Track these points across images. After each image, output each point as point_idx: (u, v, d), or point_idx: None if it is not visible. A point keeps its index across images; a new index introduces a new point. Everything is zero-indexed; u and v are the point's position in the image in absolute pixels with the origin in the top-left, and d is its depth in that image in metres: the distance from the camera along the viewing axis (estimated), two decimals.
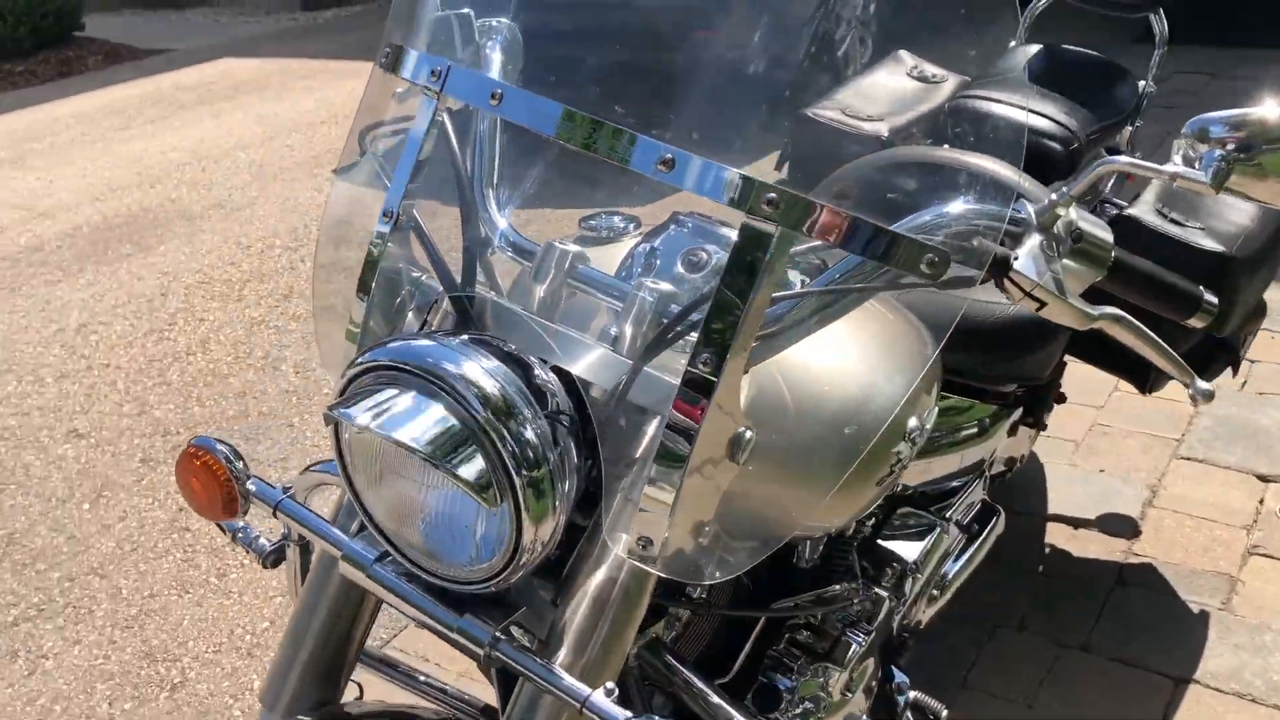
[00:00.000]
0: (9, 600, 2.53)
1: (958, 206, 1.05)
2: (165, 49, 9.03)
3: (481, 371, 0.99)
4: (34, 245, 4.76)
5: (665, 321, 1.05)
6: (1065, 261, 1.05)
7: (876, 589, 1.65)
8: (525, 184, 1.28)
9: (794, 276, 1.13)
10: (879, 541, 1.71)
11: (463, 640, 1.05)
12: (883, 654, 1.69)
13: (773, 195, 0.93)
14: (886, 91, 2.30)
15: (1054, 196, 1.05)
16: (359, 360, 1.03)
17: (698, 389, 0.95)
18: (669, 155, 0.96)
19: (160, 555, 2.66)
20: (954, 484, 1.93)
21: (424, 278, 1.19)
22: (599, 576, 1.06)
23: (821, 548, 1.57)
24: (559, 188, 1.29)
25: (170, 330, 3.87)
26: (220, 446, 1.20)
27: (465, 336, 1.04)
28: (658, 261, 1.18)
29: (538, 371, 1.03)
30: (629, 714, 0.97)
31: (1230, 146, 0.98)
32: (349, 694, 1.29)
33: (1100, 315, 1.06)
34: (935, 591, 1.81)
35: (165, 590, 2.54)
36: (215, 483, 1.19)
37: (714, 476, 1.01)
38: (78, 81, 8.10)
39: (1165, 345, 1.12)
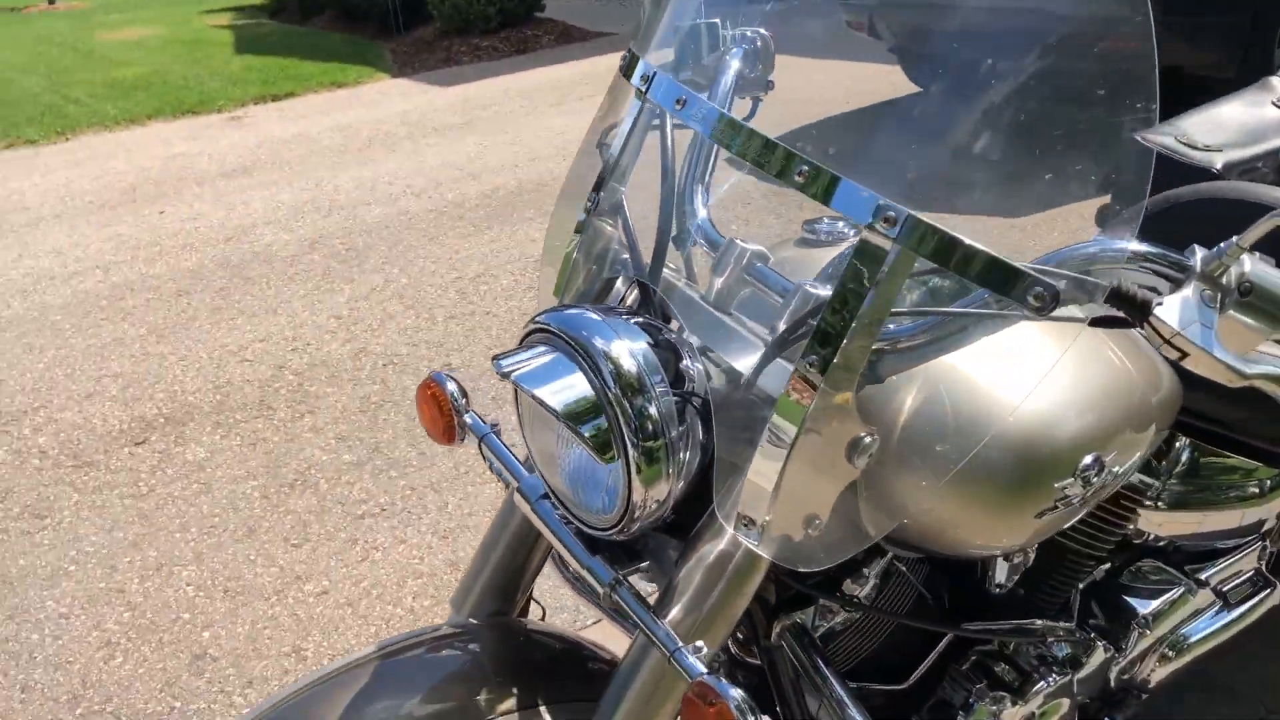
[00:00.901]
0: (362, 497, 2.99)
1: (1129, 243, 1.05)
2: (610, 32, 9.78)
3: (625, 349, 1.11)
4: (457, 202, 5.41)
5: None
6: (1231, 313, 1.01)
7: (1092, 634, 1.60)
8: (728, 185, 1.38)
9: (925, 294, 1.16)
10: (1110, 588, 1.65)
11: (589, 577, 1.18)
12: (1098, 705, 1.64)
13: (892, 214, 0.98)
14: (1238, 120, 2.14)
15: (1223, 245, 1.01)
16: (532, 320, 1.20)
17: (805, 385, 1.03)
18: (805, 168, 1.03)
19: (485, 483, 3.01)
20: (1220, 545, 1.80)
21: (626, 256, 1.33)
22: (718, 546, 1.16)
23: (1018, 576, 1.54)
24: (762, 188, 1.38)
25: None
26: (450, 383, 1.41)
27: (626, 315, 1.17)
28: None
29: (685, 358, 1.15)
30: (706, 672, 1.06)
31: None
32: (534, 613, 1.48)
33: (1257, 374, 1.00)
34: (1170, 652, 1.72)
35: (481, 512, 2.88)
36: (440, 413, 1.40)
37: (827, 472, 1.07)
38: (531, 58, 8.99)
39: None
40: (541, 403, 1.10)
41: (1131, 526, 1.61)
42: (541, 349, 1.15)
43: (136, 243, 5.19)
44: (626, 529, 1.14)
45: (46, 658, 2.44)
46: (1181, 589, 1.68)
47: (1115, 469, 1.31)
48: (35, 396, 3.69)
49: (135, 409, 3.55)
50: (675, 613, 1.16)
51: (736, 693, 1.02)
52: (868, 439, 1.07)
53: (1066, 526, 1.35)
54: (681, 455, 1.11)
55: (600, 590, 1.18)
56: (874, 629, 1.46)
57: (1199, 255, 1.02)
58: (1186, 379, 1.59)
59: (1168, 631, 1.70)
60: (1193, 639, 1.74)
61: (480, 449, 1.39)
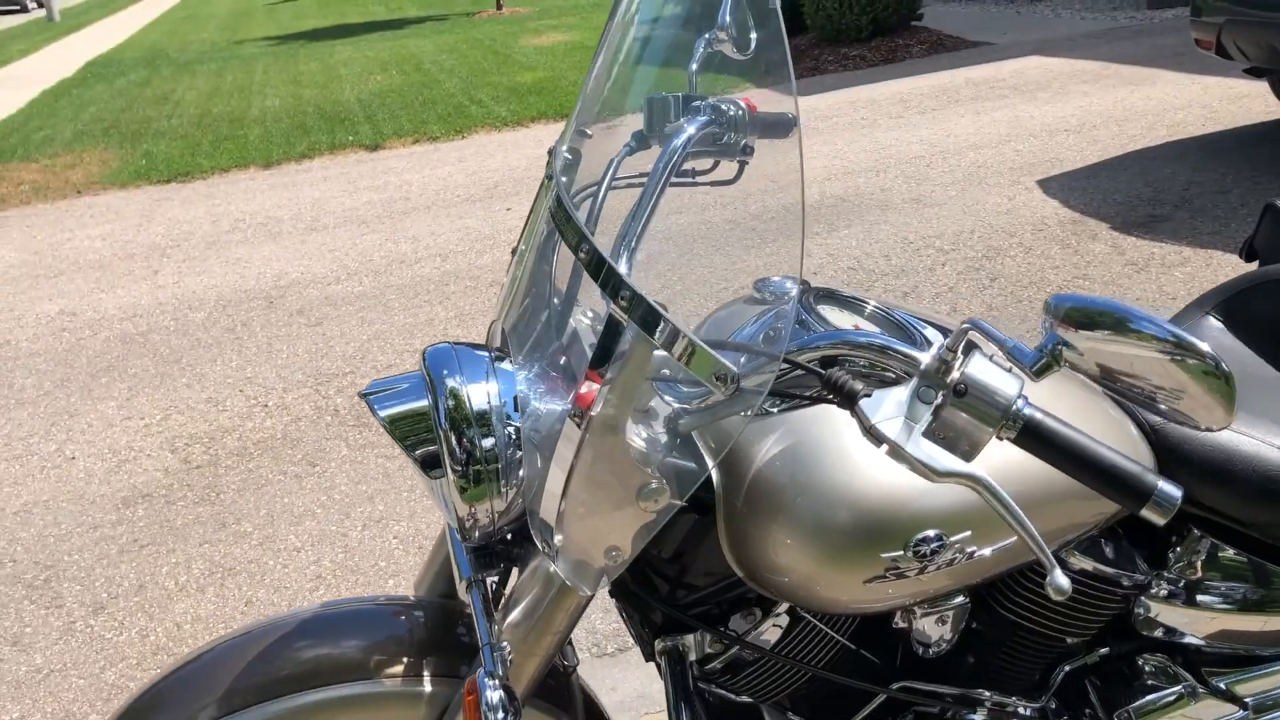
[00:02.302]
0: None
1: (872, 336, 1.13)
2: (986, 42, 9.52)
3: (473, 385, 1.32)
4: (758, 213, 5.63)
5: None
6: (946, 412, 1.06)
7: (1064, 717, 1.59)
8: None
9: None
10: (1099, 673, 1.63)
11: (458, 567, 1.41)
12: None
13: (626, 294, 1.12)
14: None
15: (943, 344, 1.07)
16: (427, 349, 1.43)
17: (574, 430, 1.19)
18: (586, 246, 1.19)
19: None
20: (1245, 652, 1.69)
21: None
22: (549, 563, 1.35)
23: (949, 641, 1.56)
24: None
25: None
26: None
27: (493, 355, 1.38)
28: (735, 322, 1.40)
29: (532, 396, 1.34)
30: (485, 670, 1.25)
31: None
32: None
33: (952, 473, 1.05)
34: None
35: None
36: None
37: (619, 509, 1.23)
38: (896, 68, 8.98)
39: (1028, 523, 1.04)
40: (376, 416, 1.33)
41: (1140, 614, 1.59)
42: (411, 376, 1.39)
43: (477, 235, 5.89)
44: (469, 536, 1.36)
45: (272, 580, 2.99)
46: (1182, 692, 1.62)
47: (973, 549, 1.34)
48: (348, 363, 4.38)
49: None
50: (513, 615, 1.36)
51: (494, 694, 1.22)
52: (654, 484, 1.21)
53: (917, 598, 1.39)
54: (502, 483, 1.31)
55: (459, 583, 1.40)
56: (784, 671, 1.55)
57: (930, 352, 1.08)
58: (1201, 473, 1.55)
59: None
60: None
61: None
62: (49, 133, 10.00)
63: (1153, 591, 1.58)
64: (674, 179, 1.71)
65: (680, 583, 1.48)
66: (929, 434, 1.07)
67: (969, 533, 1.32)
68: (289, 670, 1.41)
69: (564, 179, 1.41)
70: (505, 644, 1.31)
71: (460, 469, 1.28)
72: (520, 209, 6.25)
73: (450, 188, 7.00)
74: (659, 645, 1.49)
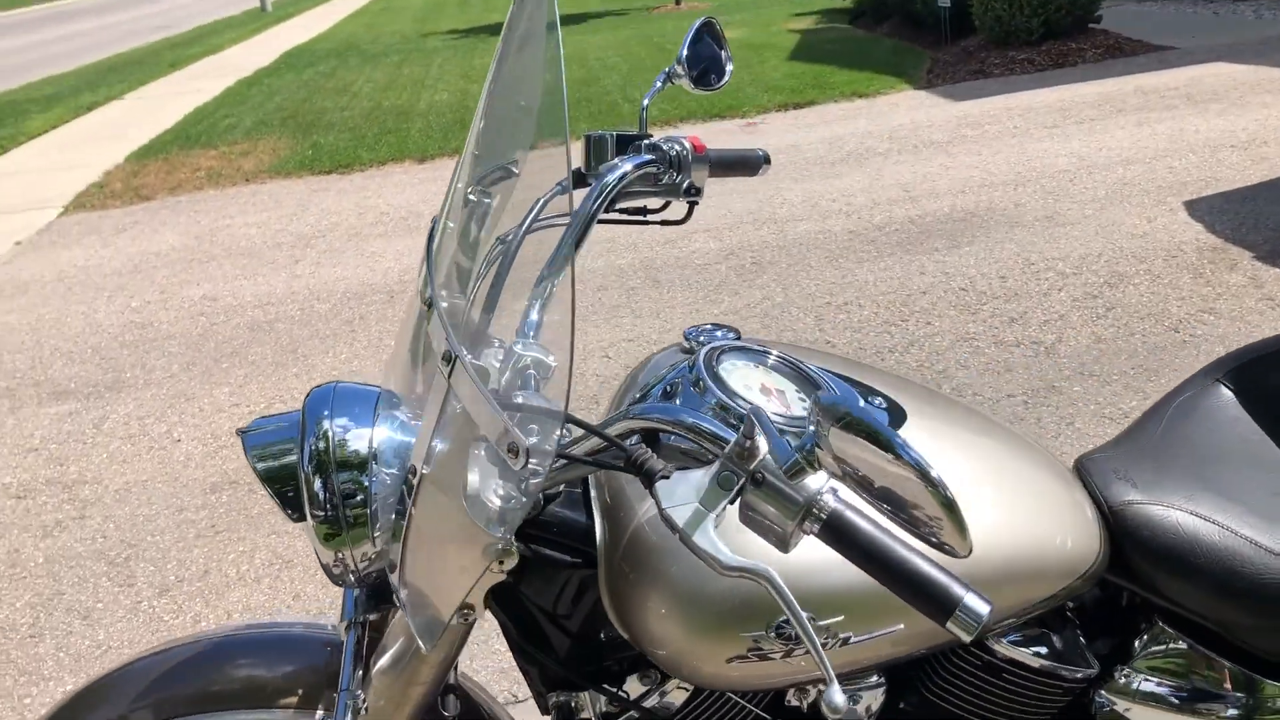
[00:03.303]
0: None
1: (685, 415, 1.09)
2: (1168, 46, 8.96)
3: (341, 430, 1.31)
4: (879, 224, 5.48)
5: None
6: (754, 499, 1.01)
7: None
8: None
9: None
10: None
11: (342, 605, 1.41)
12: None
13: (446, 351, 1.10)
14: None
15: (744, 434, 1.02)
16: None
17: (410, 487, 1.18)
18: (427, 294, 1.18)
19: None
20: None
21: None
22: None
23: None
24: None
25: (900, 324, 4.28)
26: None
27: (381, 396, 1.38)
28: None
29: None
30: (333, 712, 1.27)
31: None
32: None
33: (737, 568, 0.99)
34: None
35: None
36: None
37: (463, 571, 1.22)
38: (1063, 74, 8.56)
39: (810, 629, 0.97)
40: (246, 451, 1.33)
41: (1101, 705, 1.50)
42: (289, 415, 1.39)
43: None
44: (338, 581, 1.36)
45: (322, 577, 3.09)
46: None
47: (848, 634, 1.27)
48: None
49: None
50: (382, 661, 1.37)
51: None
52: (501, 545, 1.19)
53: (792, 679, 1.32)
54: (374, 528, 1.31)
55: (340, 623, 1.41)
56: None
57: (733, 439, 1.02)
58: (1160, 560, 1.45)
59: None
60: None
61: None
62: (234, 121, 10.61)
63: (1117, 683, 1.49)
64: (624, 217, 1.68)
65: (577, 637, 1.45)
66: (746, 521, 1.01)
67: (842, 617, 1.25)
68: (188, 692, 1.46)
69: (456, 226, 1.39)
70: (360, 693, 1.31)
71: (321, 514, 1.28)
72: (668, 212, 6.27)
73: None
74: (552, 699, 1.47)
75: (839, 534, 0.98)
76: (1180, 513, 1.45)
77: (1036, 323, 4.12)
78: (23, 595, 3.13)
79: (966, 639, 0.95)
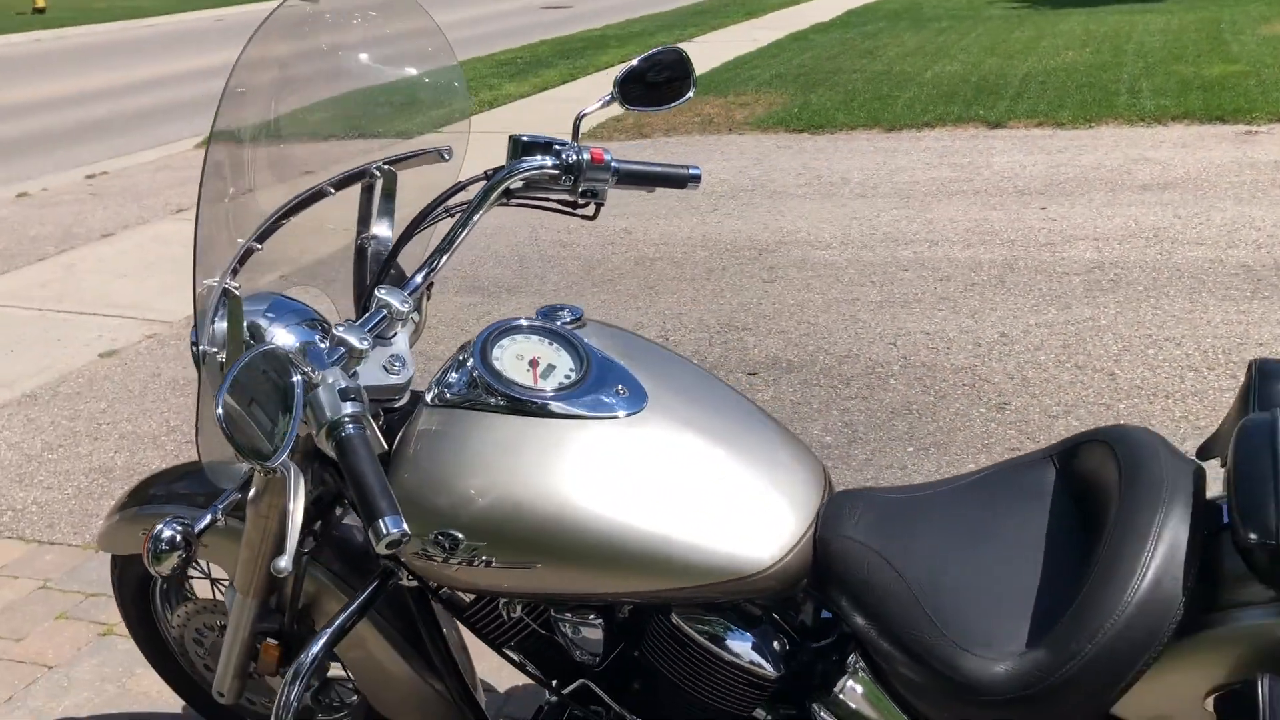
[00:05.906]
0: None
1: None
2: None
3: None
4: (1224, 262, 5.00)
5: None
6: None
7: None
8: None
9: None
10: None
11: None
12: None
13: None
14: None
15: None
16: None
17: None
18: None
19: None
20: None
21: None
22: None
23: (589, 657, 1.74)
24: None
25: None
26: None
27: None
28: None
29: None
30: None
31: None
32: None
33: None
34: None
35: None
36: None
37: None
38: None
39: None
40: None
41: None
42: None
43: (986, 230, 6.00)
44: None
45: None
46: None
47: (489, 558, 1.53)
48: (752, 318, 4.99)
49: None
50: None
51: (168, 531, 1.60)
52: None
53: (466, 586, 1.62)
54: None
55: None
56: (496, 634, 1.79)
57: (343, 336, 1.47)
58: (847, 588, 1.56)
59: None
60: None
61: None
62: (757, 72, 11.51)
63: (834, 698, 1.61)
64: (534, 204, 1.90)
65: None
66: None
67: (484, 543, 1.52)
68: None
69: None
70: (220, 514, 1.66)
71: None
72: (1054, 210, 6.19)
73: (1011, 177, 7.01)
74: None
75: (342, 452, 1.31)
76: (878, 558, 1.53)
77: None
78: None
79: (378, 548, 1.24)
